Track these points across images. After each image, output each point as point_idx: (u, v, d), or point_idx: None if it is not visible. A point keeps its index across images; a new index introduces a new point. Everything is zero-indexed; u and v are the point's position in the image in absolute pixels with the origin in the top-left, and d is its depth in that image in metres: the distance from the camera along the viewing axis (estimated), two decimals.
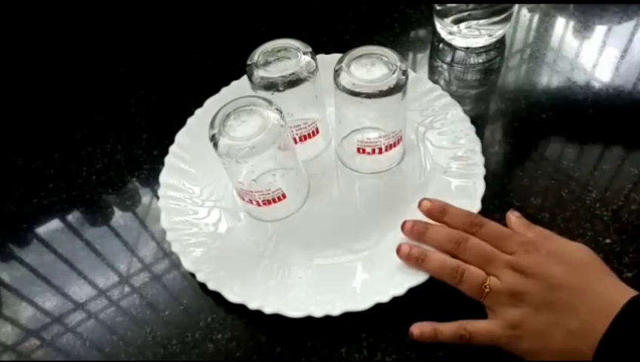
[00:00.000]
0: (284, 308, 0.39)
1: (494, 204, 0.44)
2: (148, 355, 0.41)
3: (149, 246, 0.47)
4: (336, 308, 0.39)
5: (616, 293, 0.34)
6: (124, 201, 0.50)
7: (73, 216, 0.50)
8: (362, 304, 0.39)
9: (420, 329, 0.38)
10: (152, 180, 0.51)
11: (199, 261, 0.43)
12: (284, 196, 0.43)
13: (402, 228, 0.41)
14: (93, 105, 0.59)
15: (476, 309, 0.38)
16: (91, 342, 0.42)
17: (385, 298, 0.39)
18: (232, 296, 0.41)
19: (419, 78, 0.53)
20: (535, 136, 0.50)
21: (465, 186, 0.45)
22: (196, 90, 0.56)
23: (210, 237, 0.45)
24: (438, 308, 0.39)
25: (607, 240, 0.42)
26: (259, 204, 0.43)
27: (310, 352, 0.39)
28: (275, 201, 0.43)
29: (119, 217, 0.49)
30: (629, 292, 0.34)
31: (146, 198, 0.50)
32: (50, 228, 0.49)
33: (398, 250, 0.40)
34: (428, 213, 0.41)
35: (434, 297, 0.39)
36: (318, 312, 0.39)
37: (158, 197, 0.47)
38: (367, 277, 0.41)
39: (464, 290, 0.38)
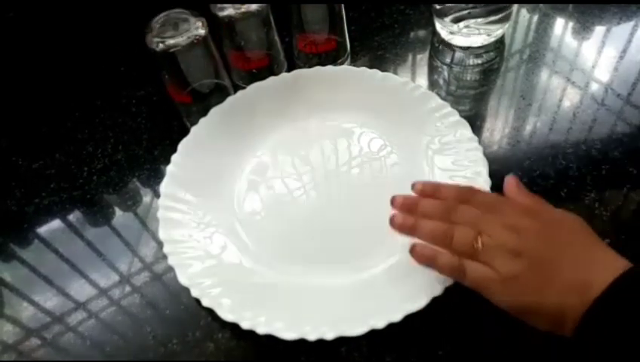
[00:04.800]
0: (277, 329, 0.39)
1: None
2: (149, 354, 0.41)
3: (150, 245, 0.47)
4: (330, 331, 0.38)
5: (614, 258, 0.34)
6: (124, 201, 0.50)
7: (74, 216, 0.50)
8: (357, 329, 0.38)
9: (421, 249, 0.37)
10: (152, 180, 0.51)
11: (195, 276, 0.42)
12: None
13: (392, 203, 0.40)
14: (94, 105, 0.59)
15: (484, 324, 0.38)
16: (92, 342, 0.42)
17: (381, 323, 0.38)
18: (226, 314, 0.40)
19: (427, 94, 0.51)
20: (534, 136, 0.50)
21: None
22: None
23: (207, 253, 0.44)
24: (441, 310, 0.39)
25: (607, 240, 0.42)
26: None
27: (311, 351, 0.39)
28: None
29: (120, 217, 0.50)
30: (624, 263, 0.33)
31: (146, 198, 0.50)
32: (51, 228, 0.50)
33: (391, 219, 0.39)
34: (422, 194, 0.41)
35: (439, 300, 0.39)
36: (311, 335, 0.38)
37: (158, 196, 0.47)
38: (364, 300, 0.40)
39: (456, 251, 0.36)
